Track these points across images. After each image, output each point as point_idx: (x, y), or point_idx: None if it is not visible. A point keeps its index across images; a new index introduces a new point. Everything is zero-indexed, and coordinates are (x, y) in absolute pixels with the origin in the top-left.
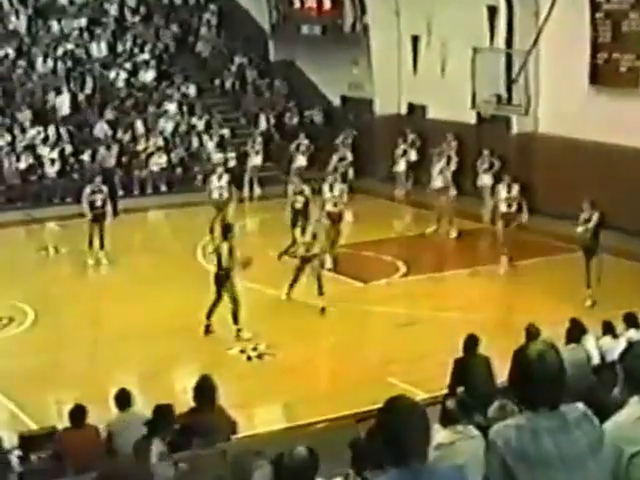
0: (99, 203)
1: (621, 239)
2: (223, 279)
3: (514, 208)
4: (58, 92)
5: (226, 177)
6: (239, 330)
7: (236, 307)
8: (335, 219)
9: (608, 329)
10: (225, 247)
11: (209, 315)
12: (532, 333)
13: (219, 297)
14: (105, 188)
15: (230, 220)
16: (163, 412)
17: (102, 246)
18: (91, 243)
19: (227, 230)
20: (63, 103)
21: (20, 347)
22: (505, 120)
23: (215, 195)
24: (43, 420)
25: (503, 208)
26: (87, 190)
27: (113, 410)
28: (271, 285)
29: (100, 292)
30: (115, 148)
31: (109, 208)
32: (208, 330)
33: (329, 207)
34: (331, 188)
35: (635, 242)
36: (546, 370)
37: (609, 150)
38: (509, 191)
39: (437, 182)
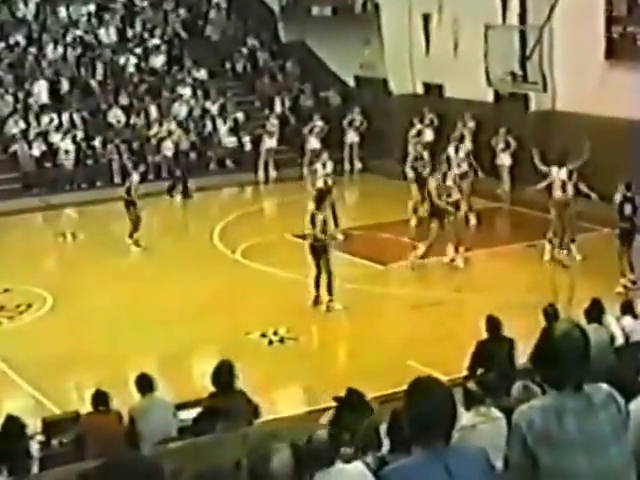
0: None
1: None
2: (320, 250)
3: (571, 193)
4: (35, 79)
5: (330, 165)
6: (330, 301)
7: (330, 278)
8: (325, 195)
9: (628, 309)
10: (320, 218)
11: (317, 287)
12: (550, 314)
13: (319, 268)
14: (136, 177)
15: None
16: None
17: (131, 234)
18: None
19: (321, 200)
20: (41, 91)
21: (39, 333)
22: (523, 98)
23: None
24: (65, 405)
25: (558, 194)
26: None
27: (135, 395)
28: (290, 269)
29: (118, 277)
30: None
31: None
32: (317, 301)
33: (320, 184)
34: (324, 166)
35: None
36: (572, 349)
37: (628, 126)
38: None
39: (462, 167)
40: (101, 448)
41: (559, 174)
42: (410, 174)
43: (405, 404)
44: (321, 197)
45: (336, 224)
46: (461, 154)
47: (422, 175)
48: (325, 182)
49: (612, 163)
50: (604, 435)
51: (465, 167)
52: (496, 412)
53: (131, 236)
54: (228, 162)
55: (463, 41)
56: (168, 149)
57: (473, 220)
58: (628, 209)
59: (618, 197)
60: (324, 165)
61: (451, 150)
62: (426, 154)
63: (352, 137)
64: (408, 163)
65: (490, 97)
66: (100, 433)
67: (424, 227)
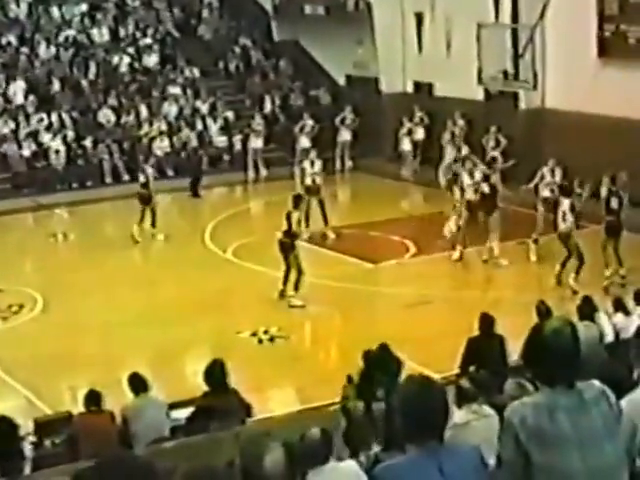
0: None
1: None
2: (288, 247)
3: (557, 194)
4: (12, 79)
5: (319, 163)
6: (292, 297)
7: (299, 275)
8: (314, 193)
9: (619, 306)
10: (295, 216)
11: (284, 282)
12: (542, 311)
13: (288, 264)
14: (150, 170)
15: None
16: None
17: (153, 224)
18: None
19: (298, 200)
20: (17, 91)
21: (31, 333)
22: (513, 96)
23: (309, 182)
24: (57, 406)
25: (545, 193)
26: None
27: (128, 394)
28: (280, 268)
29: (110, 277)
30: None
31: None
32: (282, 294)
33: (308, 182)
34: (312, 164)
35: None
36: (563, 346)
37: (619, 124)
38: (552, 175)
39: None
40: (94, 448)
41: (562, 205)
42: (444, 179)
43: (398, 403)
44: (300, 197)
45: (325, 222)
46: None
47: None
48: (313, 180)
49: (602, 161)
50: (597, 432)
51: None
52: (488, 409)
53: (153, 225)
54: (219, 161)
55: (455, 40)
56: (159, 149)
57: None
58: (614, 203)
59: (604, 191)
60: (312, 164)
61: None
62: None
63: (344, 136)
64: (443, 169)
65: (480, 95)
66: (93, 433)
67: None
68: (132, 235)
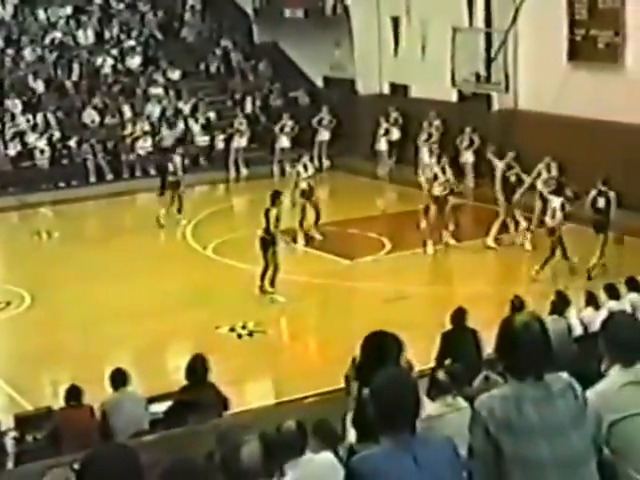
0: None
1: None
2: (268, 243)
3: (553, 188)
4: None
5: (312, 167)
6: (272, 293)
7: (275, 272)
8: (309, 196)
9: (590, 300)
10: (273, 213)
11: (262, 278)
12: (516, 305)
13: (266, 261)
14: (178, 158)
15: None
16: None
17: (179, 210)
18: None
19: (276, 197)
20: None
21: (17, 330)
22: (486, 97)
23: (304, 185)
24: (40, 401)
25: (542, 188)
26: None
27: (109, 389)
28: (260, 264)
29: (93, 274)
30: (176, 129)
31: (180, 174)
32: (262, 290)
33: (303, 186)
34: (305, 168)
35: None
36: (532, 340)
37: (587, 124)
38: (549, 171)
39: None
40: (75, 442)
41: (553, 202)
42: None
43: (371, 395)
44: (278, 194)
45: (317, 221)
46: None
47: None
48: (308, 184)
49: (570, 159)
50: (563, 422)
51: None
52: (462, 402)
53: (179, 212)
54: (201, 160)
55: (430, 43)
56: (141, 148)
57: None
58: (601, 202)
59: (593, 192)
60: (305, 167)
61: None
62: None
63: (323, 135)
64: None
65: (454, 97)
66: (73, 428)
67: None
68: (158, 219)
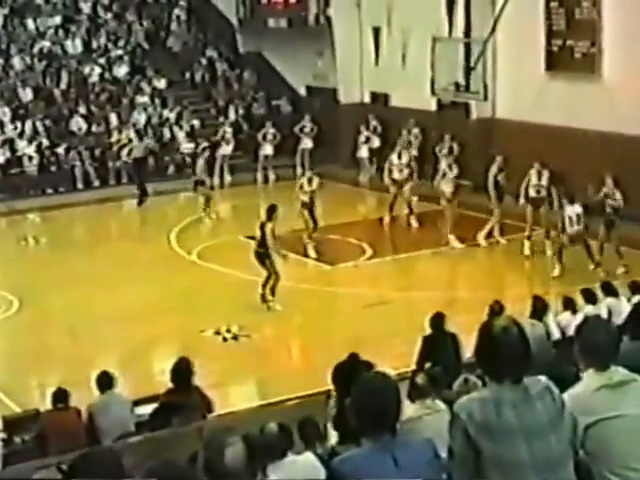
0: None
1: None
2: (263, 256)
3: (543, 194)
4: None
5: (316, 181)
6: (272, 301)
7: (276, 281)
8: (309, 208)
9: (568, 305)
10: (269, 227)
11: (263, 287)
12: (495, 310)
13: (269, 272)
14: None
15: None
16: None
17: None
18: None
19: (272, 211)
20: None
21: (5, 334)
22: (464, 106)
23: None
24: (28, 403)
25: (532, 193)
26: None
27: (95, 392)
28: (244, 269)
29: (80, 279)
30: (147, 140)
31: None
32: (263, 299)
33: (305, 199)
34: (310, 182)
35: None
36: (510, 344)
37: (565, 133)
38: (539, 178)
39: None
40: (62, 444)
41: (567, 210)
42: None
43: (352, 398)
44: (274, 208)
45: (314, 228)
46: (404, 159)
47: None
48: (310, 198)
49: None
50: (542, 424)
51: (406, 172)
52: (441, 404)
53: (205, 208)
54: (186, 167)
55: (411, 53)
56: (128, 155)
57: (415, 223)
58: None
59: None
60: (310, 181)
61: (394, 156)
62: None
63: (306, 143)
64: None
65: (433, 106)
66: (60, 430)
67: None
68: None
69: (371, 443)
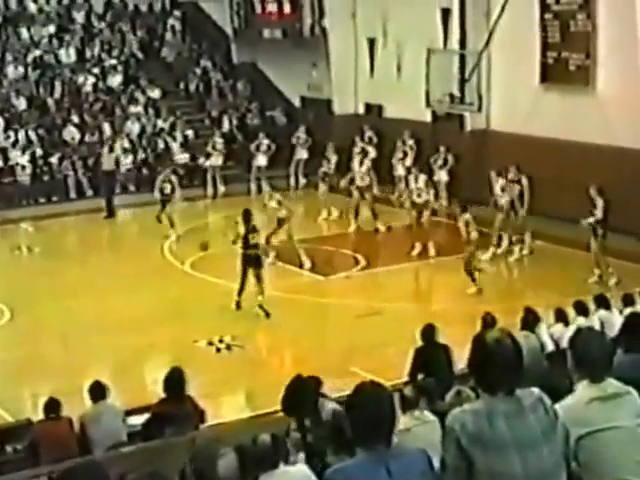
0: (167, 191)
1: (568, 230)
2: (256, 258)
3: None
4: None
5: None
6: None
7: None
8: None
9: (560, 317)
10: (241, 229)
11: (240, 293)
12: (488, 322)
13: (258, 278)
14: (174, 178)
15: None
16: None
17: (172, 225)
18: (159, 220)
19: (248, 215)
20: None
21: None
22: (459, 118)
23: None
24: (20, 413)
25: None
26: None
27: (88, 402)
28: (237, 279)
29: (73, 289)
30: (116, 151)
31: (177, 194)
32: (263, 309)
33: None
34: (280, 204)
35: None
36: (503, 355)
37: (560, 146)
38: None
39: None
40: (54, 453)
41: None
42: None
43: (347, 407)
44: (248, 212)
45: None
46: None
47: None
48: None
49: (542, 180)
50: (535, 436)
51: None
52: (430, 415)
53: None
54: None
55: (405, 64)
56: (121, 165)
57: (382, 228)
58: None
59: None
60: (279, 203)
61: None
62: None
63: (300, 154)
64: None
65: (428, 117)
66: (52, 439)
67: None
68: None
69: (365, 453)
